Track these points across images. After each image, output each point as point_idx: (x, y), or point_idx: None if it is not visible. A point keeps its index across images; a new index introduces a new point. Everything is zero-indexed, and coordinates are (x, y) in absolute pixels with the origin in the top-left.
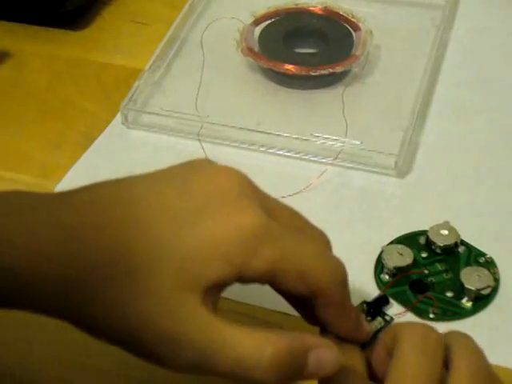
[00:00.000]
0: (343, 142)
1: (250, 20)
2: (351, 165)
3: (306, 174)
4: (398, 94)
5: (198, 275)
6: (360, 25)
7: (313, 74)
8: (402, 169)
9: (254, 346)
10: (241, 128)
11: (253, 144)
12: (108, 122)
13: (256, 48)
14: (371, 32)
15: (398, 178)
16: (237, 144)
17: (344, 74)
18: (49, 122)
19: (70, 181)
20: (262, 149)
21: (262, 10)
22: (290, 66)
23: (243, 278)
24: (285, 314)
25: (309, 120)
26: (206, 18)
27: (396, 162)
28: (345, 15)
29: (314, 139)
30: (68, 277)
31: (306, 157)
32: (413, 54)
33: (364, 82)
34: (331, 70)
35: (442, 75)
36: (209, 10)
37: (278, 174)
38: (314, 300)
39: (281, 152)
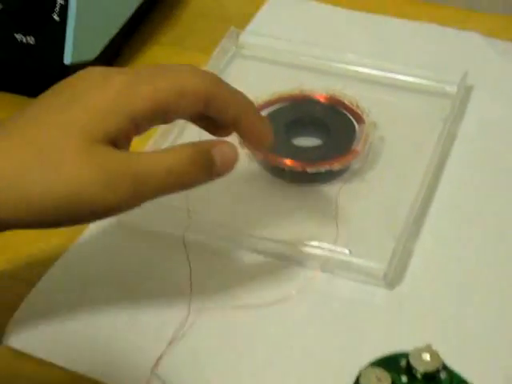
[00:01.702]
0: (331, 251)
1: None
2: (339, 273)
3: (290, 280)
4: (396, 195)
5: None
6: (364, 116)
7: (309, 171)
8: (392, 280)
9: (174, 156)
10: (222, 226)
11: (238, 244)
12: None
13: None
14: (375, 125)
15: (386, 289)
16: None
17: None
18: None
19: None
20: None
21: (265, 97)
22: (286, 161)
23: (139, 123)
24: None
25: (299, 220)
26: None
27: (385, 274)
28: (349, 105)
29: (301, 246)
30: None
31: (293, 262)
32: (417, 147)
33: (363, 178)
34: (328, 168)
35: (445, 173)
36: None
37: (261, 277)
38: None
39: (266, 255)
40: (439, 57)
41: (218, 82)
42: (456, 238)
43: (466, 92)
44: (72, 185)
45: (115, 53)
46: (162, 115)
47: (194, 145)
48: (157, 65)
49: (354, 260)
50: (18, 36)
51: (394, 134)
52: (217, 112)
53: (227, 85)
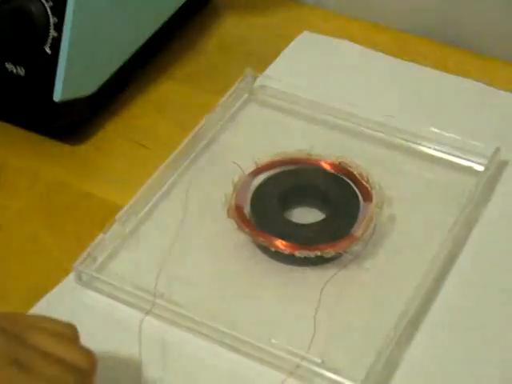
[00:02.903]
0: (302, 358)
1: (251, 168)
2: (311, 381)
3: (260, 382)
4: (393, 291)
5: None
6: (372, 193)
7: (298, 255)
8: None
9: None
10: (191, 318)
11: (207, 336)
12: (68, 271)
13: (247, 205)
14: (382, 205)
15: None
16: (190, 332)
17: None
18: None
19: None
20: (216, 344)
21: (265, 158)
22: (275, 240)
23: None
24: None
25: (278, 308)
26: (206, 156)
27: None
28: (359, 178)
29: (271, 348)
30: None
31: (262, 362)
32: (431, 231)
33: (361, 265)
34: (319, 254)
35: (454, 270)
36: (214, 145)
37: (228, 376)
38: None
39: (237, 352)
40: (477, 123)
41: None
42: (452, 352)
43: (497, 169)
44: None
45: (120, 86)
46: None
47: None
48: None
49: (326, 373)
50: (9, 65)
51: (407, 213)
52: None
53: None
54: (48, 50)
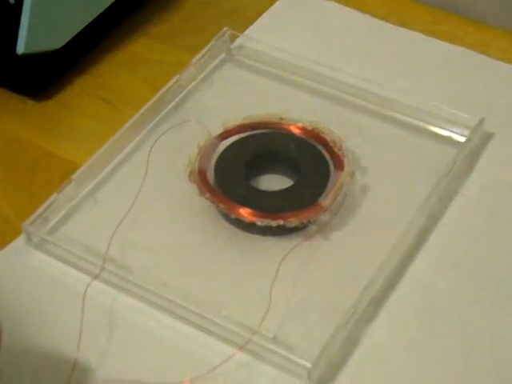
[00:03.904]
0: (253, 332)
1: (219, 131)
2: (262, 357)
3: (207, 356)
4: (358, 266)
5: None
6: (344, 161)
7: (259, 224)
8: (319, 379)
9: None
10: (141, 285)
11: (156, 305)
12: (20, 232)
13: (211, 170)
14: (353, 174)
15: None
16: (139, 300)
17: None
18: None
19: None
20: (165, 314)
21: (234, 121)
22: (236, 207)
23: None
24: None
25: (235, 277)
26: (175, 116)
27: (309, 373)
28: (331, 144)
29: (221, 321)
30: None
31: (212, 335)
32: (405, 204)
33: (327, 236)
34: (281, 223)
35: (425, 247)
36: (184, 106)
37: (175, 348)
38: None
39: (186, 324)
40: (464, 92)
41: None
42: (416, 334)
43: (480, 141)
44: None
45: (91, 43)
46: None
47: None
48: None
49: (277, 349)
50: None
51: (382, 184)
52: None
53: None
54: (11, 0)
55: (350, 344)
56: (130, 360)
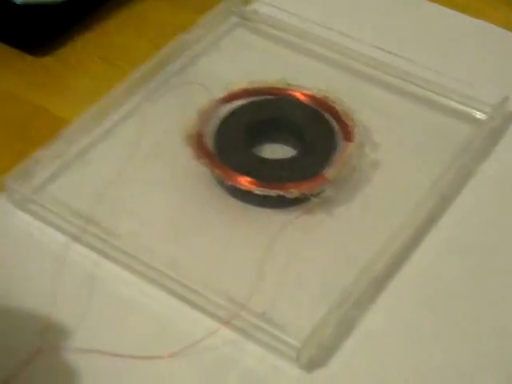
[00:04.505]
0: (241, 307)
1: (221, 94)
2: (249, 335)
3: (191, 331)
4: (359, 246)
5: None
6: (354, 132)
7: (256, 192)
8: (309, 361)
9: None
10: (122, 250)
11: (140, 273)
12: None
13: (210, 134)
14: (363, 146)
15: (301, 370)
16: (123, 268)
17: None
18: None
19: None
20: (149, 282)
21: (240, 84)
22: (233, 174)
23: None
24: None
25: (227, 247)
26: (177, 78)
27: (298, 355)
28: (341, 114)
29: (207, 293)
30: None
31: (198, 308)
32: (415, 187)
33: (330, 212)
34: (280, 193)
35: (433, 231)
36: (188, 68)
37: (156, 320)
38: None
39: (171, 294)
40: (488, 68)
41: None
42: (419, 322)
43: (503, 120)
44: None
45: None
46: None
47: None
48: None
49: (265, 326)
50: None
51: (394, 160)
52: None
53: None
54: None
55: (345, 327)
56: (107, 330)
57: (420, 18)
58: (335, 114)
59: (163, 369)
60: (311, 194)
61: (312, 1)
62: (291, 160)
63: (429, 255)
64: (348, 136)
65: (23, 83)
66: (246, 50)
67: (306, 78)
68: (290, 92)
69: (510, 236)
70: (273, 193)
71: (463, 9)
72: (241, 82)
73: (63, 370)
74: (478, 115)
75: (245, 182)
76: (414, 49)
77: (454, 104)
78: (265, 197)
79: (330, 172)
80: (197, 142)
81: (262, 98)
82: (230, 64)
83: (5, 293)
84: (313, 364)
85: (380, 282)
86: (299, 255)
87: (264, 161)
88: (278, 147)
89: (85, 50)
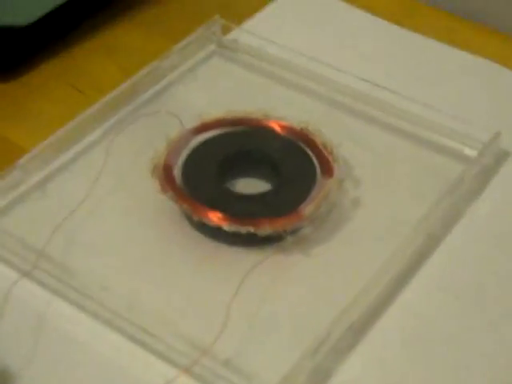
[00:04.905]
0: (203, 353)
1: (194, 124)
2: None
3: (146, 379)
4: (335, 291)
5: None
6: (334, 167)
7: (226, 229)
8: None
9: None
10: (75, 288)
11: (94, 314)
12: None
13: (179, 165)
14: (342, 182)
15: None
16: (75, 307)
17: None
18: None
19: None
20: (102, 324)
21: (214, 114)
22: (201, 208)
23: None
24: None
25: (188, 293)
26: (148, 107)
27: None
28: (321, 147)
29: (166, 336)
30: None
31: (154, 353)
32: (399, 228)
33: (307, 252)
34: (252, 231)
35: (420, 274)
36: (159, 96)
37: (110, 365)
38: None
39: (126, 338)
40: (479, 104)
41: None
42: (398, 372)
43: (495, 158)
44: None
45: (67, 24)
46: None
47: None
48: None
49: (229, 375)
50: None
51: (377, 198)
52: None
53: None
54: None
55: (320, 377)
56: (56, 375)
57: (409, 50)
58: (315, 148)
59: None
60: (285, 232)
61: (294, 30)
62: (265, 195)
63: (414, 298)
64: (327, 171)
65: None
66: (224, 79)
67: (286, 110)
68: (266, 123)
69: (500, 276)
70: (244, 229)
71: (453, 42)
72: (215, 112)
73: None
74: (468, 152)
75: (214, 217)
76: (401, 81)
77: (442, 139)
78: (235, 234)
79: (307, 208)
80: (164, 173)
81: (237, 128)
82: (205, 93)
83: None
84: None
85: (359, 327)
86: (271, 297)
87: (235, 195)
88: (252, 182)
89: (50, 75)
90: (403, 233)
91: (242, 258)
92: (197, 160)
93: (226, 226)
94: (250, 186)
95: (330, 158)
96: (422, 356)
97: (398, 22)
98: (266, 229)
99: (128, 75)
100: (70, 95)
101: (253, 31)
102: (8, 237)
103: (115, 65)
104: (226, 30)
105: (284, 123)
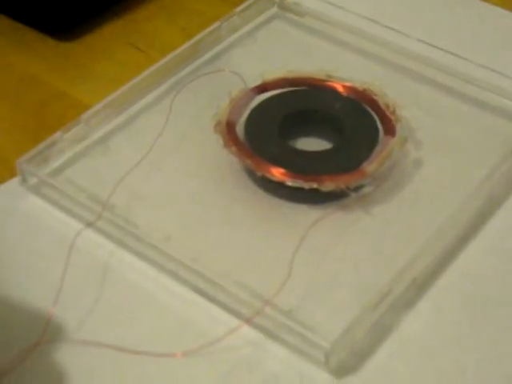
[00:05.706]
0: (265, 303)
1: (255, 83)
2: (274, 334)
3: (209, 328)
4: (398, 247)
5: None
6: (397, 127)
7: (288, 184)
8: (339, 366)
9: None
10: (139, 238)
11: (156, 263)
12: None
13: (242, 122)
14: (405, 141)
15: (331, 375)
16: (138, 256)
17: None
18: None
19: None
20: (166, 274)
21: (276, 74)
22: (264, 164)
23: None
24: None
25: (249, 247)
26: (208, 67)
27: (327, 358)
28: (383, 107)
29: (228, 286)
30: None
31: (218, 304)
32: (459, 188)
33: (367, 210)
34: (314, 186)
35: (481, 234)
36: (221, 57)
37: (172, 315)
38: None
39: (187, 287)
40: None
41: None
42: (460, 329)
43: None
44: None
45: None
46: None
47: None
48: None
49: (292, 325)
50: None
51: (438, 160)
52: None
53: None
54: None
55: (381, 331)
56: (118, 324)
57: (475, 17)
58: (377, 108)
59: (174, 368)
60: (348, 189)
61: None
62: (327, 152)
63: (474, 259)
64: (390, 130)
65: (44, 66)
66: (285, 42)
67: (348, 73)
68: (328, 83)
69: None
70: (307, 185)
71: None
72: (277, 71)
73: (61, 364)
74: None
75: (277, 172)
76: (467, 47)
77: (506, 102)
78: (297, 190)
79: (369, 167)
80: (227, 130)
81: (299, 88)
82: (266, 55)
83: (8, 281)
84: (343, 369)
85: (420, 285)
86: (332, 253)
87: (298, 152)
88: (312, 141)
89: (112, 36)
90: (464, 194)
91: (304, 214)
92: (259, 118)
93: (289, 182)
94: (310, 144)
95: (393, 118)
96: (482, 317)
97: None
98: (328, 185)
99: (189, 36)
100: (132, 56)
101: None
102: (73, 187)
103: (177, 27)
104: None
105: (346, 83)
